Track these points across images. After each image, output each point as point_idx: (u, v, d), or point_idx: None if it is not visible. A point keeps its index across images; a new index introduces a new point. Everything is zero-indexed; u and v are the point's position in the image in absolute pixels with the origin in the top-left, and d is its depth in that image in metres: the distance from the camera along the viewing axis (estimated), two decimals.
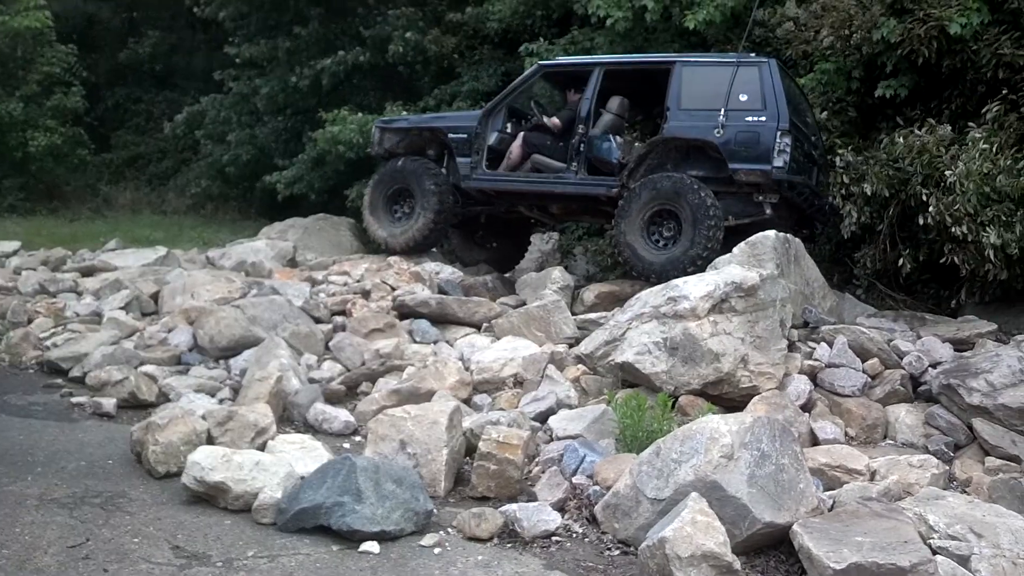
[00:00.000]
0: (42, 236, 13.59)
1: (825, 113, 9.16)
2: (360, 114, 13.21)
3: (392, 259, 9.19)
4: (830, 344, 6.41)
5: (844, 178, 8.28)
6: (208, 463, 4.47)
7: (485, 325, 7.56)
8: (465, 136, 9.41)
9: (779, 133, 7.72)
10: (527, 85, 9.56)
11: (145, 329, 7.47)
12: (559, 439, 5.31)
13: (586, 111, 8.78)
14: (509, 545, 4.19)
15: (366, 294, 8.14)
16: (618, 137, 8.87)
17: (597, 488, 4.59)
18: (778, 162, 7.72)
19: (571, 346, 6.89)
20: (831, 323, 6.82)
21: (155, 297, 8.39)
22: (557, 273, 8.34)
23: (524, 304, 7.92)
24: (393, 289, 8.24)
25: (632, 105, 9.28)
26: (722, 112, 7.94)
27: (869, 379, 6.18)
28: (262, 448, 5.02)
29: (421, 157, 9.79)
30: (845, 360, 6.23)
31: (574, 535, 4.34)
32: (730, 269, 6.28)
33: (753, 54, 8.55)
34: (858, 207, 8.08)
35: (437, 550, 4.09)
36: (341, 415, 5.85)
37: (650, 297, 6.31)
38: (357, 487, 4.19)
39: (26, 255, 11.33)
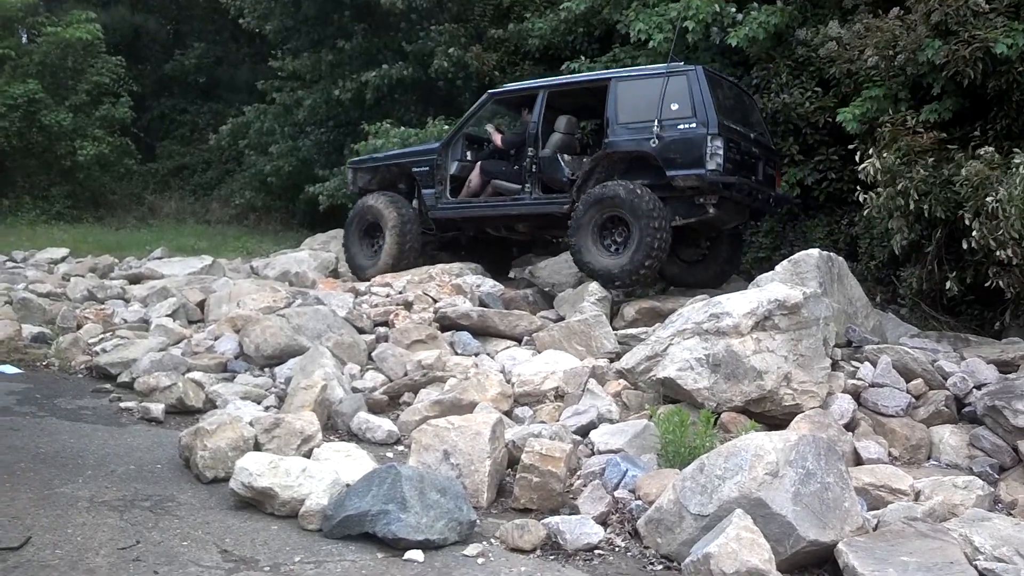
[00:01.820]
0: (89, 243, 13.87)
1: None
2: (402, 127, 13.34)
3: (433, 271, 9.27)
4: (874, 364, 6.36)
5: (909, 194, 7.82)
6: (256, 469, 4.52)
7: (526, 338, 7.60)
8: (427, 168, 9.87)
9: (709, 138, 8.02)
10: (480, 113, 10.03)
11: (192, 336, 7.61)
12: (600, 453, 5.32)
13: (534, 133, 9.17)
14: (552, 557, 4.21)
15: (408, 305, 8.21)
16: (566, 155, 9.24)
17: (639, 503, 4.60)
18: (711, 165, 8.03)
19: (612, 361, 6.89)
20: (875, 342, 6.76)
21: (201, 305, 8.55)
22: (594, 285, 8.34)
23: (564, 319, 7.94)
24: (435, 301, 8.31)
25: (585, 121, 9.61)
26: (656, 123, 8.27)
27: (913, 399, 6.12)
28: (308, 455, 5.08)
29: (392, 192, 10.20)
30: (889, 380, 6.18)
31: (617, 549, 4.35)
32: (773, 287, 6.25)
33: (682, 63, 8.76)
34: (908, 223, 7.97)
35: (480, 560, 4.12)
36: (384, 424, 5.89)
37: (692, 313, 6.30)
38: (402, 496, 4.22)
39: (74, 262, 11.59)
